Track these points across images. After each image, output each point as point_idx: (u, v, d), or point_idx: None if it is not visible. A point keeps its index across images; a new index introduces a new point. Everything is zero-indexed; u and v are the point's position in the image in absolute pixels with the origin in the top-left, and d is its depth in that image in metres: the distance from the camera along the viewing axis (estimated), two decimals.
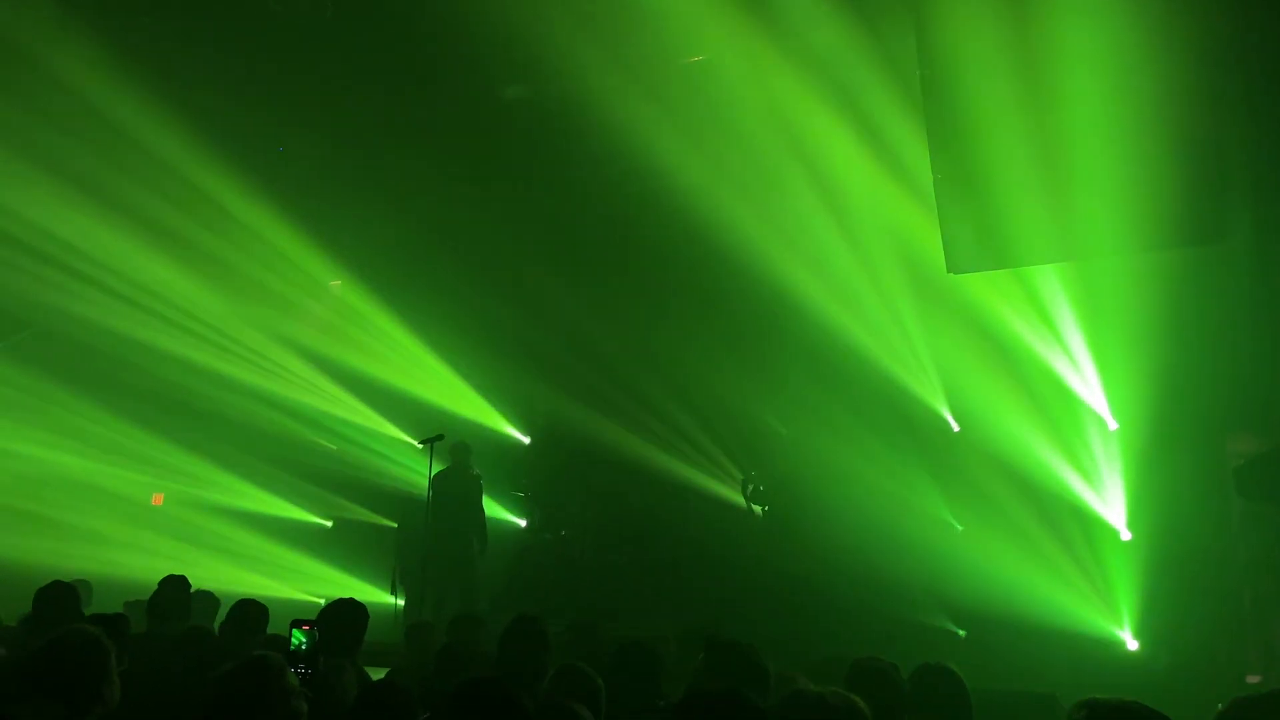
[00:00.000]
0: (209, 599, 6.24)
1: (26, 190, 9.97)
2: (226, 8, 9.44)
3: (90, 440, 11.51)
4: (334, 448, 12.29)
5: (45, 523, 10.99)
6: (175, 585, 5.51)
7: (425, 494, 9.62)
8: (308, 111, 10.33)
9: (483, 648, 5.24)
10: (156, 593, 5.45)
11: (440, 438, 9.68)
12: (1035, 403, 8.79)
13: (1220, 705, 3.31)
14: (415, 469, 10.84)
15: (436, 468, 9.64)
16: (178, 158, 9.97)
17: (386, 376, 11.78)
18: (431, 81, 9.81)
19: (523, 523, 11.31)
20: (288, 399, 12.05)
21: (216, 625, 5.42)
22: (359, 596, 4.91)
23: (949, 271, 8.69)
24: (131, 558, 10.36)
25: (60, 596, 4.78)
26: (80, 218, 10.32)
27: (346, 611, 4.64)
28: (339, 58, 9.76)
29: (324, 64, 9.85)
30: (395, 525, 11.09)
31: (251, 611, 5.24)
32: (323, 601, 7.06)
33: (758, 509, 9.98)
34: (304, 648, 4.05)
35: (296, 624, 4.20)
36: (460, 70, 9.59)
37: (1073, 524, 8.46)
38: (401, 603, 9.84)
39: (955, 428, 9.39)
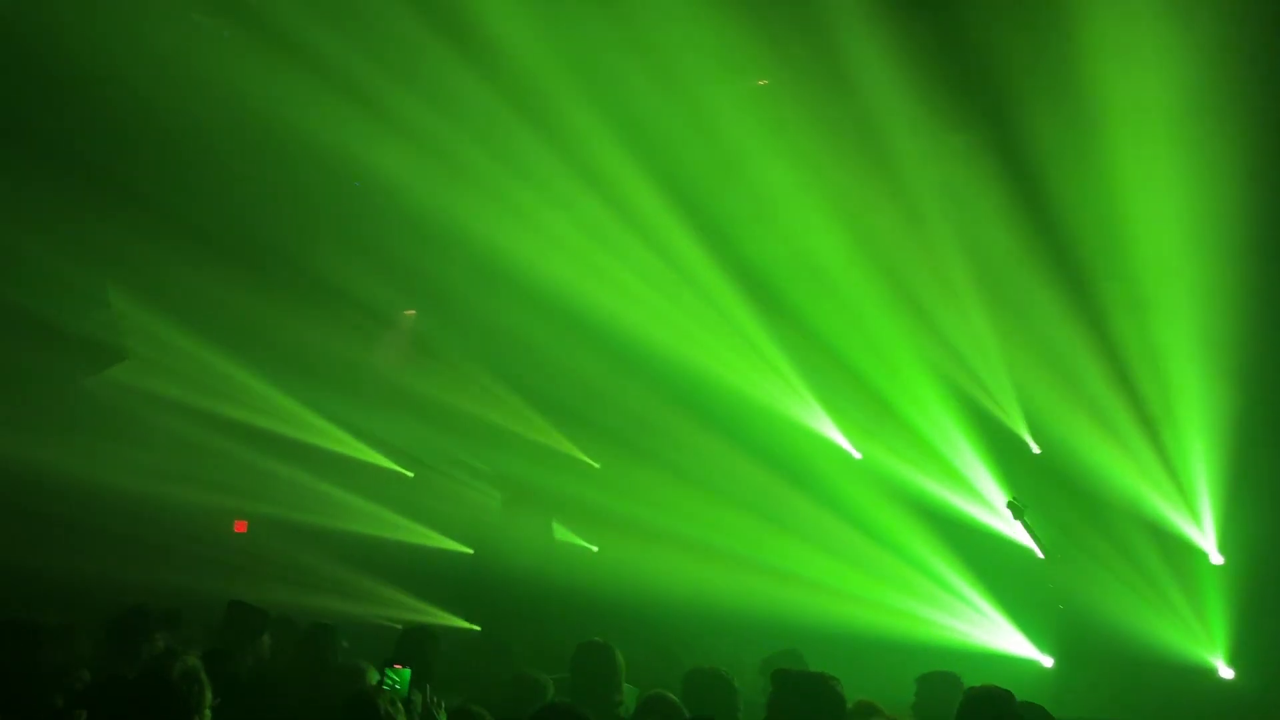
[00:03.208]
0: (287, 625, 6.30)
1: None
2: None
3: (177, 464, 11.74)
4: (411, 474, 12.43)
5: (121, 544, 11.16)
6: (242, 610, 5.54)
7: (498, 520, 9.70)
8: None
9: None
10: (226, 618, 5.49)
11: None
12: (1121, 422, 8.57)
13: None
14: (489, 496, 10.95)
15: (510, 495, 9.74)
16: None
17: (462, 404, 11.88)
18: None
19: (594, 548, 11.31)
20: (365, 426, 12.22)
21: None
22: (436, 622, 4.94)
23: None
24: (210, 582, 10.53)
25: (135, 626, 4.83)
26: None
27: (417, 640, 4.66)
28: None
29: None
30: (470, 552, 11.17)
31: (322, 636, 5.28)
32: (398, 627, 7.12)
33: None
34: (398, 689, 3.86)
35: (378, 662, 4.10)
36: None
37: (1162, 548, 8.22)
38: (477, 628, 9.90)
39: (1036, 450, 9.18)
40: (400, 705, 3.51)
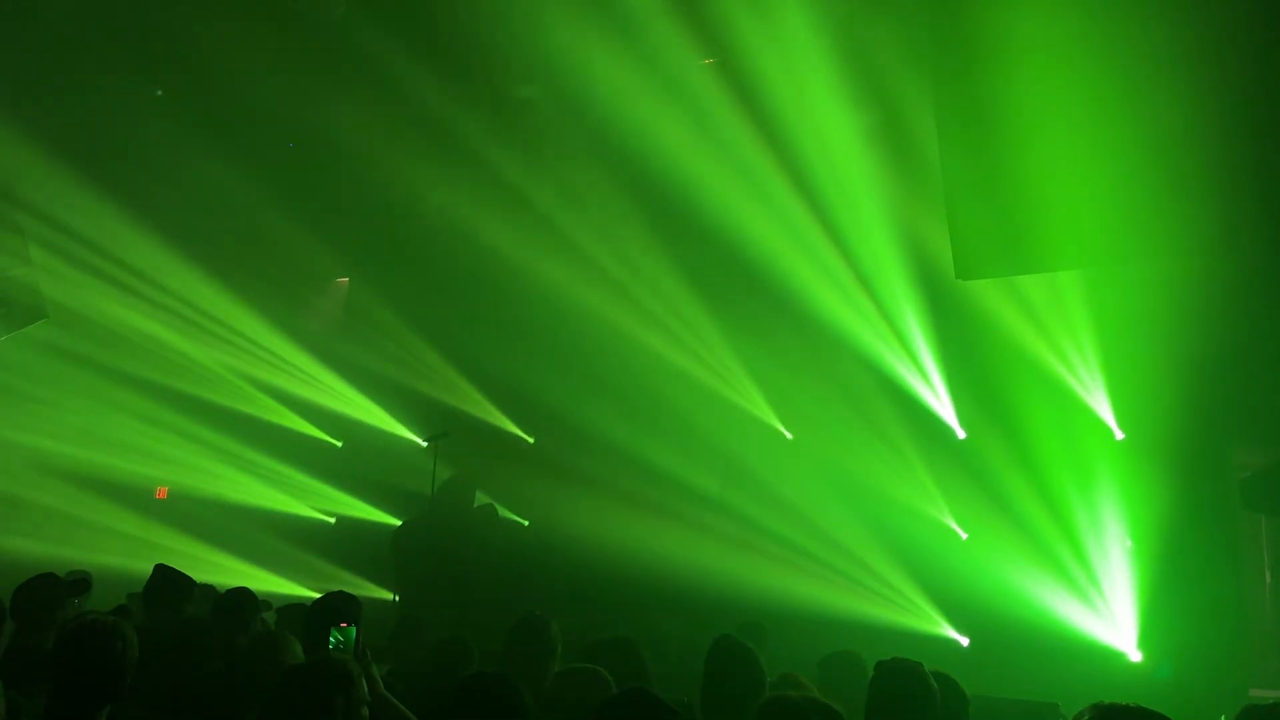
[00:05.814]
0: (209, 592, 6.19)
1: None
2: None
3: (95, 432, 11.48)
4: (339, 444, 12.28)
5: (46, 514, 10.93)
6: (168, 573, 5.45)
7: (429, 492, 9.62)
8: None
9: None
10: (150, 581, 5.40)
11: (445, 435, 9.67)
12: (1041, 411, 8.73)
13: (1224, 717, 3.28)
14: (420, 467, 10.83)
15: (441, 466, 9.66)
16: None
17: (392, 373, 11.75)
18: (443, 80, 9.78)
19: (525, 523, 11.26)
20: (293, 394, 12.05)
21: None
22: (360, 593, 4.87)
23: (957, 277, 8.65)
24: (134, 550, 10.34)
25: (41, 591, 4.73)
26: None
27: (338, 604, 4.55)
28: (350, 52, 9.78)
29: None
30: (399, 523, 11.06)
31: (240, 600, 5.19)
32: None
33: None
34: (345, 648, 3.72)
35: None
36: (471, 70, 9.57)
37: (1077, 533, 8.41)
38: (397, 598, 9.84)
39: (961, 434, 9.34)
40: (362, 672, 3.42)
